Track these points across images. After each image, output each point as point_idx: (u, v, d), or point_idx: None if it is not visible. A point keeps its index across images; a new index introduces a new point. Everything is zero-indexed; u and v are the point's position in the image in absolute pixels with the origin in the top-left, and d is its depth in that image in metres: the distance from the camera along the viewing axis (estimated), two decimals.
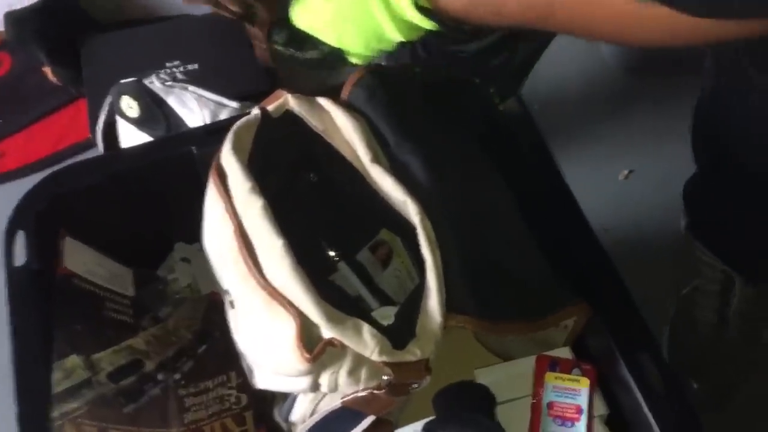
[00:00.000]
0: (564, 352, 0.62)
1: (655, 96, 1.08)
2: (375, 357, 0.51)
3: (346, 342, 0.50)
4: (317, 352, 0.50)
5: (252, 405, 0.66)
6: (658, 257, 0.92)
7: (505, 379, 0.61)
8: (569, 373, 0.61)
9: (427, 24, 0.58)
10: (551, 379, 0.60)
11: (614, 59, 1.11)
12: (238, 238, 0.53)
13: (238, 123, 0.60)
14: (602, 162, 1.04)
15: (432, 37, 0.96)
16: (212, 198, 0.58)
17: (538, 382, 0.61)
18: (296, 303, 0.50)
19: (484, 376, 0.61)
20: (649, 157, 1.03)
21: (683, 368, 0.86)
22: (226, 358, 0.68)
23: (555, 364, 0.61)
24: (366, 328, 0.50)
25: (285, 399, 0.62)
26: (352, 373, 0.52)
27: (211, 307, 0.74)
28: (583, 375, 0.60)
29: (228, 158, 0.57)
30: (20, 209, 0.64)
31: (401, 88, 0.65)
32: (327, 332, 0.50)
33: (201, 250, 0.79)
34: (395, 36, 0.60)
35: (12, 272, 0.61)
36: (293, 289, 0.51)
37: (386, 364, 0.51)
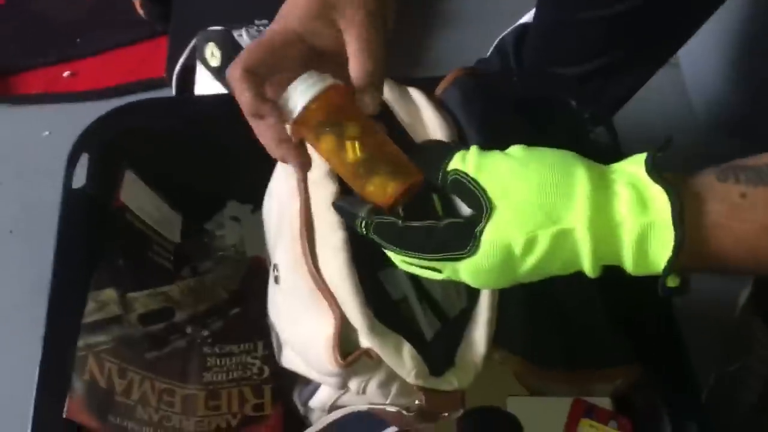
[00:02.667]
0: (603, 402, 0.59)
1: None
2: (411, 379, 0.49)
3: (384, 357, 0.48)
4: (351, 359, 0.48)
5: (273, 379, 0.64)
6: (708, 325, 0.88)
7: (537, 414, 0.58)
8: (605, 423, 0.58)
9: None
10: (585, 425, 0.58)
11: (705, 114, 1.06)
12: (302, 218, 0.51)
13: None
14: None
15: (532, 54, 0.94)
16: (285, 169, 0.56)
17: (571, 425, 0.58)
18: (341, 303, 0.48)
19: (515, 406, 0.59)
20: None
21: None
22: (256, 326, 0.67)
23: (591, 411, 0.59)
24: (407, 349, 0.48)
25: (307, 382, 0.61)
26: (383, 385, 0.51)
27: (252, 271, 0.72)
28: (619, 429, 0.58)
29: None
30: (88, 133, 0.63)
31: (496, 95, 0.62)
32: (366, 341, 0.48)
33: (253, 212, 0.78)
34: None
35: (69, 193, 0.60)
36: (341, 287, 0.48)
37: (420, 388, 0.50)
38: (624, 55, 0.84)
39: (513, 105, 0.65)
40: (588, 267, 0.40)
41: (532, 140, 0.62)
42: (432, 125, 0.58)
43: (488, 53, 1.04)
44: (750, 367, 0.79)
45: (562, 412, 0.58)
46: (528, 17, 1.03)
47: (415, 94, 0.60)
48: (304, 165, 0.46)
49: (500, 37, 1.04)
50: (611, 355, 0.58)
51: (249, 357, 0.65)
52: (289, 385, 0.63)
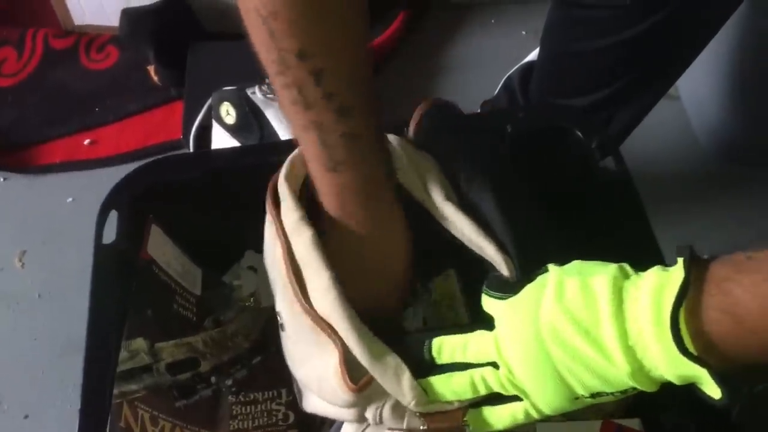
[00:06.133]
0: (633, 423, 0.60)
1: (754, 188, 1.04)
2: (411, 407, 0.51)
3: (384, 385, 0.50)
4: (363, 383, 0.50)
5: (298, 425, 0.65)
6: None
7: None
8: None
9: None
10: None
11: (709, 143, 1.08)
12: (286, 262, 0.54)
13: (296, 151, 0.59)
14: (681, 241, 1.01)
15: (538, 89, 0.96)
16: (268, 220, 0.58)
17: None
18: (340, 333, 0.50)
19: (545, 431, 0.59)
20: (734, 245, 1.00)
21: None
22: (279, 373, 0.68)
23: None
24: (406, 377, 0.50)
25: (331, 424, 0.62)
26: (396, 408, 0.52)
27: (270, 320, 0.74)
28: None
29: (282, 185, 0.58)
30: (117, 190, 0.66)
31: (467, 123, 0.65)
32: (368, 368, 0.50)
33: None
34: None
35: (100, 248, 0.62)
36: (337, 320, 0.51)
37: (421, 414, 0.51)
38: (628, 83, 0.84)
39: (507, 135, 0.68)
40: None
41: (504, 161, 0.64)
42: (416, 165, 0.59)
43: (495, 93, 1.06)
44: None
45: None
46: (534, 55, 1.06)
47: (393, 139, 0.60)
48: None
49: (507, 75, 1.07)
50: None
51: (273, 404, 0.67)
52: (316, 429, 0.64)
